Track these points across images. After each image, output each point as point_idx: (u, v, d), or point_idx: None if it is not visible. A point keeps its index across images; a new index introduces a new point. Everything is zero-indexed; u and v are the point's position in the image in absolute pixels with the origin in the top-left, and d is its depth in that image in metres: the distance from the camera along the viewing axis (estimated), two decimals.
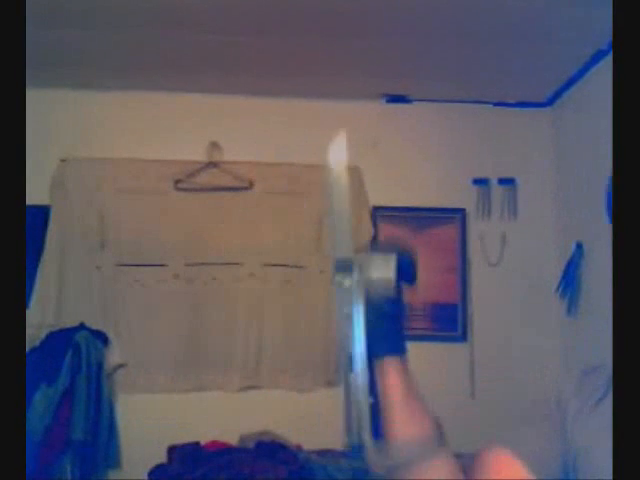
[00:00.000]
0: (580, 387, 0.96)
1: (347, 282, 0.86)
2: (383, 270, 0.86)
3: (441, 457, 0.86)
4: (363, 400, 0.84)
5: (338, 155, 0.87)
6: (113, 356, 3.03)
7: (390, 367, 0.87)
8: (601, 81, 2.64)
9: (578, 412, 0.93)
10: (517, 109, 3.32)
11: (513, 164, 3.31)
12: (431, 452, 0.85)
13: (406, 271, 0.89)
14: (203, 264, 3.14)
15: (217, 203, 3.16)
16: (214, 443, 2.90)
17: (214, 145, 3.19)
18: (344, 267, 0.86)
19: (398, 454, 0.84)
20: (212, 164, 3.18)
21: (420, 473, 0.84)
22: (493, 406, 3.05)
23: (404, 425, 0.85)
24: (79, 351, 2.90)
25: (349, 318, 0.85)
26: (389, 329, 0.88)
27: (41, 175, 3.03)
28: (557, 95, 3.21)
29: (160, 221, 3.14)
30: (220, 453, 2.80)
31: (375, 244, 0.89)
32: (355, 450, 0.84)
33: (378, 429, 0.85)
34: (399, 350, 0.88)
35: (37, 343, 2.92)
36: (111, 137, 3.18)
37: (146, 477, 2.74)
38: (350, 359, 0.84)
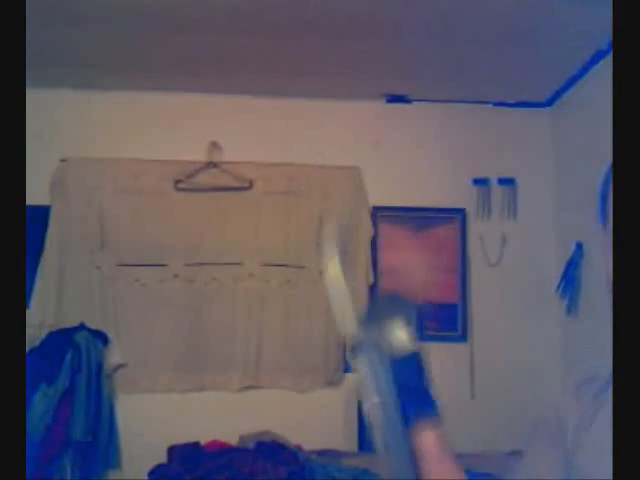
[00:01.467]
0: (577, 402, 0.95)
1: (366, 363, 0.87)
2: (400, 344, 0.87)
3: None
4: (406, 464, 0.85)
5: (329, 252, 0.87)
6: (113, 356, 3.02)
7: (424, 430, 0.87)
8: (601, 81, 2.64)
9: (576, 429, 0.92)
10: (517, 109, 3.32)
11: (513, 164, 3.31)
12: None
13: (419, 326, 0.90)
14: (203, 264, 3.14)
15: (217, 203, 3.16)
16: (214, 443, 2.90)
17: (214, 145, 3.19)
18: (358, 349, 0.87)
19: None
20: (212, 164, 3.18)
21: None
22: (493, 406, 3.05)
23: None
24: (79, 351, 2.90)
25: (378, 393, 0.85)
26: (423, 396, 0.89)
27: (41, 175, 3.02)
28: (557, 95, 3.21)
29: (160, 221, 3.14)
30: (220, 453, 2.80)
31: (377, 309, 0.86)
32: None
33: None
34: (435, 413, 0.89)
35: (37, 343, 2.92)
36: (111, 137, 3.18)
37: (146, 477, 2.73)
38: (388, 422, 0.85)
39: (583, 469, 0.89)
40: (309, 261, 3.15)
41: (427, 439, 0.87)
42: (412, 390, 0.88)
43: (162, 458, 2.82)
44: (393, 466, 0.85)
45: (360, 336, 0.87)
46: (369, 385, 0.86)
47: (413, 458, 0.86)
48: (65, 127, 3.17)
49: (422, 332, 0.91)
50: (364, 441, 2.94)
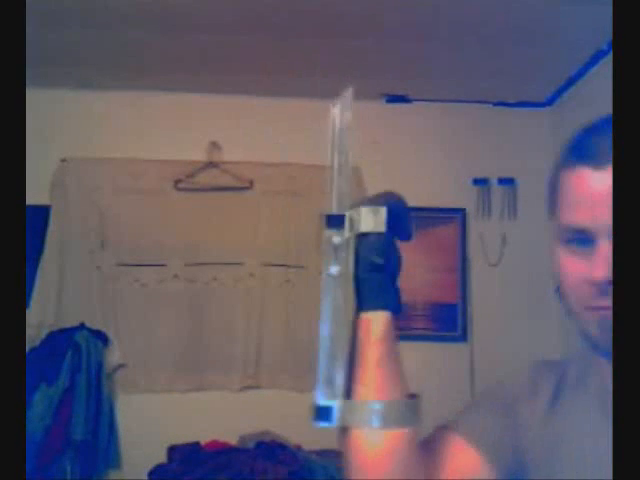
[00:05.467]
0: (533, 388, 0.92)
1: (336, 239, 0.81)
2: (374, 223, 0.81)
3: (407, 429, 0.80)
4: (340, 354, 0.79)
5: (344, 108, 0.84)
6: (113, 356, 3.03)
7: (376, 321, 0.80)
8: (601, 81, 2.64)
9: (533, 417, 0.90)
10: (517, 109, 3.32)
11: (513, 164, 3.31)
12: (399, 420, 0.79)
13: (399, 225, 0.83)
14: (203, 264, 3.14)
15: (217, 203, 3.16)
16: (214, 443, 2.90)
17: (214, 145, 3.19)
18: (335, 223, 0.82)
19: (365, 414, 0.78)
20: (212, 164, 3.18)
21: (377, 438, 0.79)
22: None
23: (377, 385, 0.79)
24: (79, 351, 2.90)
25: (337, 275, 0.80)
26: (382, 283, 0.81)
27: (41, 175, 3.02)
28: (557, 95, 3.21)
29: (160, 221, 3.14)
30: (220, 453, 2.80)
31: (366, 199, 0.80)
32: (322, 411, 0.78)
33: (348, 388, 0.79)
34: (391, 306, 0.81)
35: (37, 343, 2.92)
36: (111, 137, 3.18)
37: (146, 477, 2.74)
38: (334, 310, 0.80)
39: (538, 468, 0.88)
40: (309, 261, 3.15)
41: (373, 324, 0.80)
42: (374, 282, 0.81)
43: (162, 458, 2.82)
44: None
45: (341, 213, 0.82)
46: (331, 255, 0.82)
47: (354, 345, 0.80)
48: (65, 127, 3.17)
49: (407, 234, 0.85)
50: None
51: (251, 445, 2.87)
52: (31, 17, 1.22)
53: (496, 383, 0.97)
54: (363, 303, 0.81)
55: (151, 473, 2.74)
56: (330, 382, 0.79)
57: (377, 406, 0.79)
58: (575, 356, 0.94)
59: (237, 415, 3.05)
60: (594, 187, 0.79)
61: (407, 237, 0.85)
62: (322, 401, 0.79)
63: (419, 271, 3.15)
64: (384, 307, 0.81)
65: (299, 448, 2.89)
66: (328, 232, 0.83)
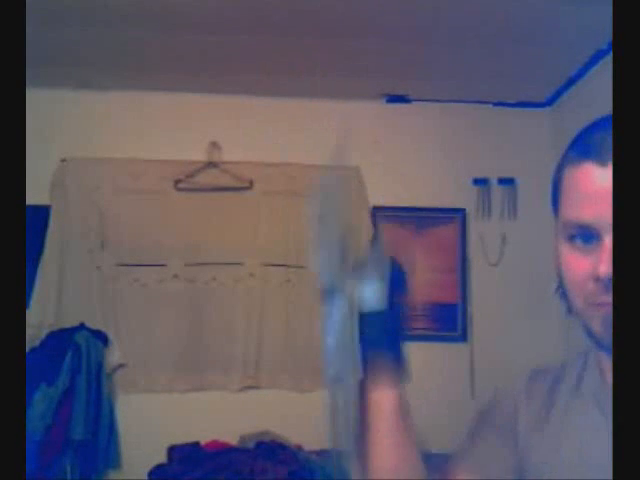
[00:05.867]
0: (528, 397, 0.93)
1: (336, 314, 0.82)
2: (375, 301, 0.82)
3: None
4: (352, 414, 0.80)
5: (340, 157, 0.84)
6: (113, 356, 3.02)
7: (386, 391, 0.82)
8: (601, 81, 2.64)
9: (529, 426, 0.90)
10: (517, 109, 3.32)
11: (513, 164, 3.31)
12: None
13: (397, 283, 0.85)
14: (203, 264, 3.14)
15: (217, 203, 3.16)
16: (214, 443, 2.90)
17: (214, 145, 3.19)
18: (332, 300, 0.82)
19: None
20: (212, 164, 3.18)
21: None
22: None
23: (389, 454, 0.80)
24: (79, 351, 2.90)
25: (343, 334, 0.80)
26: (389, 358, 0.83)
27: (41, 175, 3.02)
28: (557, 95, 3.21)
29: (160, 221, 3.14)
30: (220, 453, 2.80)
31: (360, 267, 0.79)
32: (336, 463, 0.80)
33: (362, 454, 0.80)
34: (400, 379, 0.83)
35: (37, 343, 2.92)
36: (111, 137, 3.18)
37: (146, 477, 2.74)
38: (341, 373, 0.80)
39: (539, 468, 0.88)
40: (309, 261, 3.14)
41: (383, 396, 0.81)
42: (381, 347, 0.82)
43: (162, 458, 2.82)
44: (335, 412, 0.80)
45: (336, 284, 0.82)
46: (332, 323, 0.82)
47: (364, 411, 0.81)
48: (65, 127, 3.17)
49: (402, 291, 0.86)
50: None
51: (251, 445, 2.87)
52: (31, 17, 1.22)
53: (490, 403, 0.97)
54: (371, 379, 0.81)
55: (151, 473, 2.74)
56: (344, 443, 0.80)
57: None
58: (576, 355, 0.94)
59: (237, 415, 3.05)
60: (598, 183, 0.79)
61: (403, 294, 0.87)
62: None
63: (419, 271, 3.15)
64: (394, 382, 0.83)
65: (299, 448, 2.89)
66: (327, 305, 0.84)
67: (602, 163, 0.79)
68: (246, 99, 3.22)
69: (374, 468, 0.80)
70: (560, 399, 0.90)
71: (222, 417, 3.06)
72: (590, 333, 0.83)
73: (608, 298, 0.78)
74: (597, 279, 0.78)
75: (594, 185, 0.79)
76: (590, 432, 0.83)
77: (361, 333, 0.81)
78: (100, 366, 2.96)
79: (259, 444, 2.85)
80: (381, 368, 0.82)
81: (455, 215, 3.27)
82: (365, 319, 0.82)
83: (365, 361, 0.81)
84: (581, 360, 0.92)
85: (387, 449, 0.80)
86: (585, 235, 0.81)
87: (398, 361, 0.83)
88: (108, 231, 3.11)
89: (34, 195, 2.55)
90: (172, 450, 2.84)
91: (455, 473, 0.90)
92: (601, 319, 0.80)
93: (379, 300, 0.82)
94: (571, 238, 0.83)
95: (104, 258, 3.10)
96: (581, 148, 0.82)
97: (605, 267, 0.77)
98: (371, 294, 0.82)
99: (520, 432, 0.90)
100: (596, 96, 2.69)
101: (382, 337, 0.82)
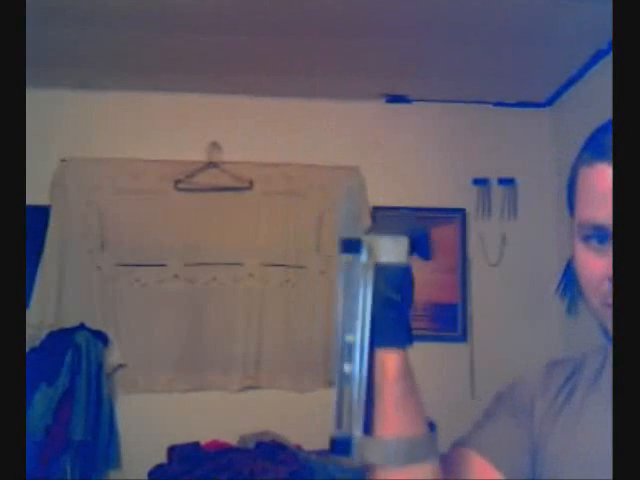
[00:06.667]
0: (545, 385, 0.93)
1: (354, 265, 0.78)
2: (394, 254, 0.79)
3: (429, 463, 0.80)
4: (358, 391, 0.77)
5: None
6: (113, 356, 3.02)
7: (391, 359, 0.80)
8: (601, 81, 2.64)
9: (545, 415, 0.90)
10: (517, 109, 3.32)
11: (513, 164, 3.31)
12: (420, 456, 0.79)
13: (420, 249, 0.84)
14: (203, 264, 3.14)
15: (217, 203, 3.16)
16: (214, 443, 2.90)
17: (214, 145, 3.19)
18: (351, 248, 0.78)
19: (385, 452, 0.78)
20: (212, 164, 3.18)
21: (404, 475, 0.79)
22: None
23: (397, 422, 0.79)
24: (79, 351, 2.90)
25: (353, 303, 0.78)
26: (396, 319, 0.80)
27: (41, 175, 3.02)
28: (557, 95, 3.21)
29: (160, 221, 3.14)
30: (220, 453, 2.80)
31: (382, 222, 0.77)
32: (339, 444, 0.79)
33: (367, 424, 0.78)
34: (404, 342, 0.81)
35: (37, 343, 2.92)
36: (111, 137, 3.18)
37: (146, 477, 2.74)
38: (348, 346, 0.78)
39: (553, 460, 0.88)
40: (309, 261, 3.15)
41: (392, 367, 0.79)
42: (391, 316, 0.79)
43: (162, 458, 2.82)
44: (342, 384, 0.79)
45: (358, 237, 0.78)
46: (342, 293, 0.81)
47: (370, 383, 0.78)
48: (65, 127, 3.17)
49: (428, 255, 0.84)
50: None
51: (251, 445, 2.87)
52: (31, 17, 1.22)
53: (509, 386, 0.97)
54: (376, 339, 0.80)
55: (151, 473, 2.74)
56: (348, 414, 0.78)
57: (395, 444, 0.78)
58: (592, 351, 0.95)
59: (237, 415, 3.05)
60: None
61: (427, 258, 0.85)
62: (339, 433, 0.78)
63: (419, 271, 3.14)
64: (398, 344, 0.81)
65: (299, 448, 2.89)
66: (344, 258, 0.79)
67: None
68: (246, 99, 3.22)
69: (382, 441, 0.79)
70: (577, 393, 0.90)
71: (222, 417, 3.06)
72: (606, 332, 0.83)
73: None
74: (612, 279, 0.78)
75: (608, 186, 0.79)
76: (605, 428, 0.83)
77: (375, 287, 0.79)
78: (100, 366, 2.96)
79: (259, 444, 2.85)
80: (387, 328, 0.81)
81: (455, 215, 3.27)
82: (380, 270, 0.79)
83: (373, 319, 0.79)
84: (601, 355, 0.92)
85: (393, 414, 0.80)
86: (600, 236, 0.81)
87: (406, 322, 0.82)
88: (108, 231, 3.11)
89: (34, 195, 2.56)
90: (172, 450, 2.84)
91: (465, 452, 0.90)
92: None
93: (401, 254, 0.80)
94: (586, 239, 0.82)
95: (104, 258, 3.10)
96: (595, 149, 0.82)
97: None
98: (392, 247, 0.80)
99: (536, 419, 0.90)
100: (596, 96, 2.70)
101: (395, 296, 0.80)
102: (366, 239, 0.80)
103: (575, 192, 0.85)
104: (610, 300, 0.79)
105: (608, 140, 0.80)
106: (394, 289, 0.79)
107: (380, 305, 0.79)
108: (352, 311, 0.79)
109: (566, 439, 0.87)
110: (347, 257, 0.79)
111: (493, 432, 0.92)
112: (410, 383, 0.81)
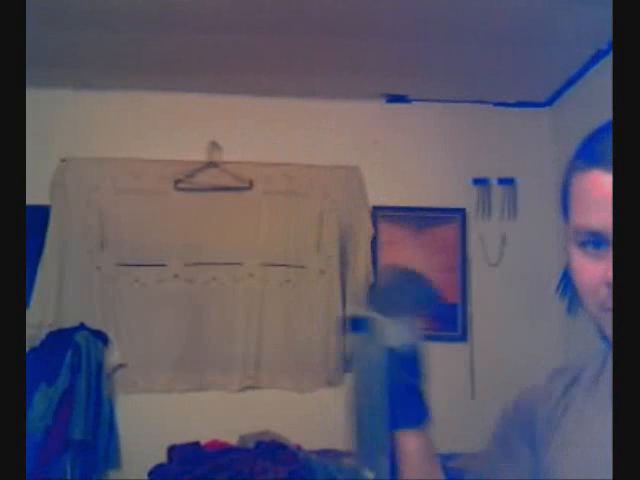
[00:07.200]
0: (546, 395, 0.94)
1: (365, 346, 0.80)
2: (401, 337, 0.82)
3: None
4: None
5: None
6: (113, 356, 3.02)
7: (407, 443, 0.83)
8: (601, 81, 2.64)
9: (546, 424, 0.91)
10: (517, 109, 3.32)
11: (513, 164, 3.31)
12: None
13: (427, 300, 0.86)
14: (203, 264, 3.14)
15: (217, 203, 3.16)
16: (214, 443, 2.90)
17: (214, 145, 3.19)
18: (359, 327, 0.81)
19: None
20: (212, 164, 3.18)
21: None
22: (493, 406, 3.04)
23: None
24: (79, 351, 2.90)
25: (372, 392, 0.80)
26: (415, 401, 0.84)
27: (41, 175, 3.02)
28: (557, 95, 3.21)
29: (160, 221, 3.14)
30: (220, 453, 2.80)
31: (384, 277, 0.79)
32: None
33: None
34: (419, 423, 0.84)
35: (37, 343, 2.92)
36: (111, 137, 3.18)
37: (146, 477, 2.73)
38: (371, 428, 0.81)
39: (553, 468, 0.88)
40: (309, 261, 3.15)
41: (410, 444, 0.82)
42: (404, 391, 0.83)
43: (162, 458, 2.82)
44: (371, 466, 0.82)
45: (364, 315, 0.82)
46: (360, 381, 0.82)
47: (392, 461, 0.82)
48: (65, 127, 3.17)
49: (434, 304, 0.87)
50: None
51: (251, 445, 2.87)
52: (31, 17, 1.22)
53: (514, 404, 0.98)
54: (394, 420, 0.82)
55: (151, 473, 2.74)
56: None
57: None
58: (592, 357, 0.95)
59: (237, 415, 3.05)
60: (608, 190, 0.78)
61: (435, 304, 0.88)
62: None
63: (419, 271, 3.14)
64: (415, 425, 0.83)
65: (299, 448, 2.89)
66: (354, 337, 0.82)
67: (610, 170, 0.79)
68: (246, 99, 3.22)
69: None
70: (576, 399, 0.90)
71: (222, 417, 3.06)
72: (605, 337, 0.83)
73: None
74: (609, 284, 0.78)
75: (603, 192, 0.79)
76: (605, 434, 0.83)
77: (387, 369, 0.82)
78: (100, 366, 2.96)
79: (259, 444, 2.85)
80: (407, 416, 0.82)
81: (455, 215, 3.27)
82: (395, 357, 0.82)
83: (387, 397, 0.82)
84: (599, 360, 0.92)
85: None
86: (596, 241, 0.80)
87: (421, 405, 0.83)
88: (108, 231, 3.11)
89: (34, 195, 2.55)
90: (172, 450, 2.84)
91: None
92: None
93: (408, 336, 0.81)
94: (582, 244, 0.82)
95: (104, 258, 3.10)
96: (588, 155, 0.82)
97: None
98: (398, 331, 0.81)
99: (537, 431, 0.90)
100: (596, 96, 2.69)
101: (411, 380, 0.83)
102: (373, 319, 0.81)
103: (569, 199, 0.85)
104: (608, 305, 0.79)
105: (602, 146, 0.80)
106: (409, 373, 0.80)
107: (397, 391, 0.80)
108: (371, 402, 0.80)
109: (565, 447, 0.87)
110: (356, 337, 0.81)
111: (498, 456, 0.93)
112: (427, 462, 0.82)
